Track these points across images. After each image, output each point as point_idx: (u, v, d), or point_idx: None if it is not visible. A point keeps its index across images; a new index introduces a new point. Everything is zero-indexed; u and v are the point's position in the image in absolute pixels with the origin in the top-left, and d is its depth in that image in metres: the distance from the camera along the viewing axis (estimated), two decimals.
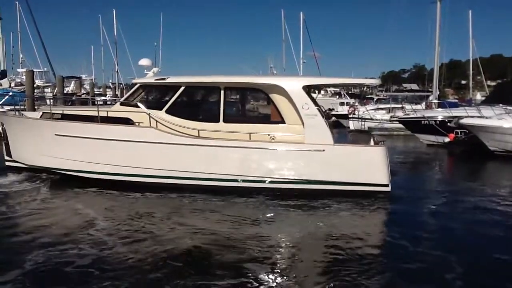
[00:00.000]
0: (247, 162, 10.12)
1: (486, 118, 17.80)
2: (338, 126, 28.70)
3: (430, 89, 36.06)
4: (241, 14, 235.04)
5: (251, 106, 11.71)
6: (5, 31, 36.12)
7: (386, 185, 10.06)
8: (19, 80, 37.42)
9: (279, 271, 6.10)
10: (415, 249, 6.99)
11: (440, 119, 20.90)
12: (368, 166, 10.07)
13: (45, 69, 41.55)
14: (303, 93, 10.24)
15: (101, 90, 48.72)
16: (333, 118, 28.53)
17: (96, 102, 15.95)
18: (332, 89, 45.26)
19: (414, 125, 22.34)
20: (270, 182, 10.15)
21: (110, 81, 59.41)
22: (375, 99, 41.91)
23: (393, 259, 6.66)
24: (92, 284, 5.58)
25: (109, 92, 50.09)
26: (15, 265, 6.07)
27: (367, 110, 31.33)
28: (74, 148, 10.60)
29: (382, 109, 32.16)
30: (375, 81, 12.14)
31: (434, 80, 32.66)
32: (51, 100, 14.20)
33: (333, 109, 37.02)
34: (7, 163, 11.93)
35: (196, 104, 11.69)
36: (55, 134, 10.69)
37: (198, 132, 10.44)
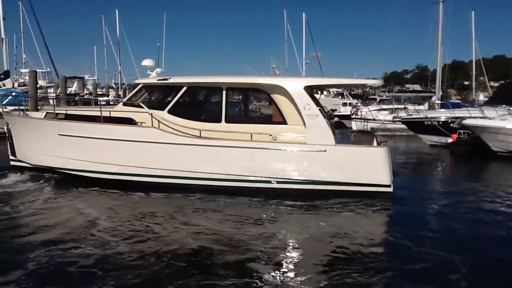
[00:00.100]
0: (249, 163, 10.12)
1: (489, 118, 17.76)
2: (340, 127, 28.67)
3: (433, 90, 35.91)
4: (243, 14, 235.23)
5: (253, 106, 11.71)
6: (8, 32, 36.28)
7: (388, 186, 10.04)
8: (22, 81, 37.48)
9: (282, 271, 6.10)
10: (419, 249, 6.98)
11: (443, 120, 20.87)
12: (370, 167, 10.05)
13: (48, 69, 41.71)
14: (304, 94, 10.24)
15: (103, 90, 48.91)
16: (336, 119, 28.50)
17: (98, 102, 15.99)
18: (334, 89, 45.20)
19: (417, 126, 22.30)
20: (272, 182, 10.15)
21: (113, 81, 59.65)
22: (377, 100, 41.82)
23: (397, 259, 6.66)
24: (95, 284, 5.58)
25: (112, 93, 50.23)
26: (18, 265, 6.09)
27: (370, 111, 31.30)
28: (77, 148, 10.64)
29: (384, 109, 32.12)
30: (378, 82, 12.10)
31: (437, 80, 32.58)
32: (55, 100, 14.21)
33: (336, 110, 37.02)
34: (12, 163, 12.00)
35: (198, 104, 11.70)
36: (59, 134, 10.74)
37: (200, 132, 10.45)
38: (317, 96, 12.02)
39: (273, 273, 5.96)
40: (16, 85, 33.17)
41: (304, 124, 10.22)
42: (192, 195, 9.90)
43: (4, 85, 29.58)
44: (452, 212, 9.45)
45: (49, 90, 37.51)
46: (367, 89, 45.53)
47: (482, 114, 18.76)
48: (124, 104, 11.49)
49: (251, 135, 10.34)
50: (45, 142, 10.97)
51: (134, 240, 7.16)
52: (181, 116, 10.74)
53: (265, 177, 10.13)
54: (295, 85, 10.34)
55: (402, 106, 31.60)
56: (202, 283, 5.64)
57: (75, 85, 43.39)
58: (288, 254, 6.80)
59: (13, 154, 11.92)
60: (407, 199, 10.25)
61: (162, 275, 5.90)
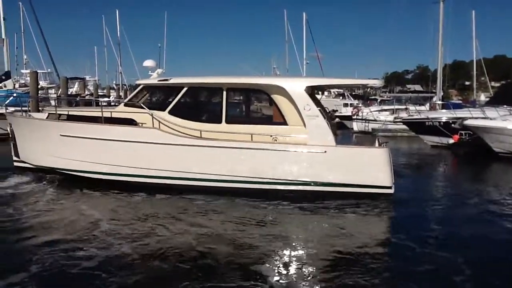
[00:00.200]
0: (249, 163, 10.11)
1: (491, 119, 17.72)
2: (341, 128, 28.63)
3: (433, 90, 35.88)
4: (244, 14, 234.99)
5: (253, 107, 11.70)
6: (9, 32, 36.21)
7: (389, 187, 10.01)
8: (23, 81, 37.49)
9: (286, 273, 6.08)
10: (422, 250, 6.97)
11: (444, 120, 20.83)
12: (371, 168, 10.02)
13: (49, 70, 41.66)
14: (304, 94, 10.22)
15: (104, 91, 48.87)
16: (337, 120, 28.47)
17: (100, 103, 16.00)
18: (335, 90, 45.15)
19: (418, 126, 22.27)
20: (272, 183, 10.13)
21: (114, 82, 59.58)
22: (378, 100, 41.74)
23: (401, 260, 6.65)
24: (98, 286, 5.58)
25: (113, 93, 50.23)
26: (22, 267, 6.07)
27: (371, 111, 31.26)
28: (78, 148, 10.66)
29: (385, 110, 32.06)
30: (378, 82, 12.05)
31: (437, 81, 32.59)
32: (56, 101, 14.26)
33: (337, 110, 36.98)
34: (15, 163, 12.03)
35: (198, 105, 11.70)
36: (60, 135, 10.74)
37: (200, 132, 10.44)
38: (318, 96, 11.99)
39: (277, 275, 5.95)
40: (17, 86, 33.15)
41: (305, 124, 10.20)
42: (194, 196, 9.88)
43: (5, 86, 29.55)
44: (454, 213, 9.44)
45: (50, 91, 37.51)
46: (368, 90, 45.48)
47: (484, 114, 18.73)
48: (125, 105, 11.50)
49: (251, 136, 10.33)
50: (47, 143, 10.98)
51: (137, 241, 7.14)
52: (181, 116, 10.73)
53: (265, 178, 10.12)
54: (295, 86, 10.33)
55: (403, 107, 31.54)
56: (206, 285, 5.61)
57: (76, 85, 43.40)
58: (291, 255, 6.76)
59: (16, 155, 11.95)
60: (408, 201, 10.21)
61: (165, 277, 5.89)
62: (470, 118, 18.42)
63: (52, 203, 9.55)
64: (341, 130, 16.34)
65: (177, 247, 6.90)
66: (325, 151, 9.97)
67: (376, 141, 12.04)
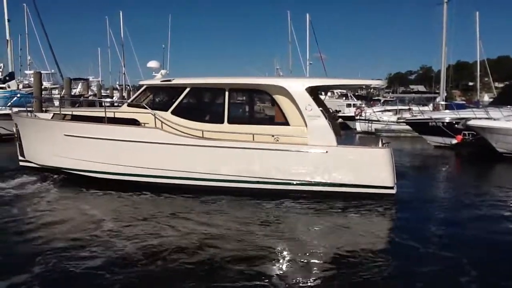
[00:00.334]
0: (250, 164, 10.12)
1: (494, 119, 17.69)
2: (344, 128, 28.60)
3: (437, 91, 35.91)
4: (247, 15, 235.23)
5: (255, 107, 11.70)
6: (13, 33, 36.22)
7: (391, 188, 9.98)
8: (27, 82, 37.66)
9: (290, 272, 6.08)
10: (426, 251, 6.95)
11: (447, 121, 20.79)
12: (372, 168, 10.00)
13: (53, 71, 41.75)
14: (306, 94, 10.22)
15: (108, 91, 48.99)
16: (340, 120, 28.43)
17: (103, 104, 16.05)
18: (338, 90, 45.11)
19: (421, 127, 22.23)
20: (274, 183, 10.13)
21: (117, 83, 59.79)
22: (382, 101, 41.71)
23: (405, 260, 6.63)
24: (102, 286, 5.59)
25: (116, 94, 50.38)
26: (25, 267, 6.06)
27: (374, 112, 31.24)
28: (81, 148, 10.70)
29: (389, 110, 32.05)
30: (381, 82, 12.00)
31: (441, 81, 32.55)
32: (60, 102, 14.33)
33: (340, 111, 36.93)
34: (20, 163, 12.09)
35: (201, 105, 11.73)
36: (64, 135, 10.79)
37: (202, 133, 10.46)
38: (321, 97, 11.99)
39: (281, 275, 5.94)
40: (21, 86, 33.27)
41: (306, 125, 10.20)
42: (196, 196, 9.89)
43: (9, 87, 29.67)
44: (457, 214, 9.39)
45: (53, 92, 37.63)
46: (371, 90, 45.43)
47: (487, 115, 18.68)
48: (129, 105, 11.54)
49: (253, 136, 10.34)
50: (52, 143, 11.04)
51: (140, 241, 7.14)
52: (184, 117, 10.75)
53: (267, 178, 10.12)
54: (297, 86, 10.33)
55: (407, 107, 31.52)
56: (211, 285, 5.62)
57: (79, 86, 43.53)
58: (295, 255, 6.75)
59: (22, 154, 12.02)
60: (411, 201, 10.17)
61: (169, 277, 5.89)
62: (473, 118, 18.38)
63: (55, 203, 9.58)
64: (344, 130, 16.27)
65: (180, 247, 6.90)
66: (327, 151, 9.97)
67: (380, 142, 12.01)
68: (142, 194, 10.08)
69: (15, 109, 15.44)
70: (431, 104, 33.00)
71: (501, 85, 56.31)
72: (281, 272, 6.07)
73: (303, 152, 10.06)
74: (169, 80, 11.20)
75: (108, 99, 33.08)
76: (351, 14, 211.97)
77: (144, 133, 10.54)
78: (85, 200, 9.80)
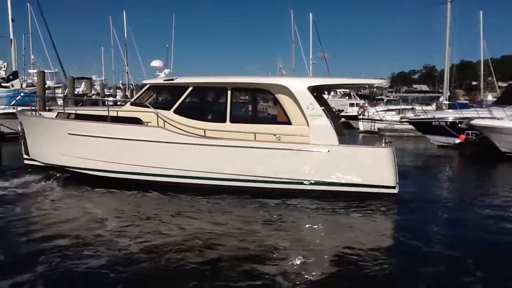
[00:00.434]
0: (252, 162, 10.13)
1: (498, 119, 17.65)
2: (347, 127, 28.59)
3: (440, 90, 35.72)
4: (250, 15, 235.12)
5: (258, 106, 11.70)
6: (17, 33, 36.33)
7: (393, 187, 9.96)
8: (30, 81, 37.74)
9: (293, 272, 6.06)
10: (430, 250, 6.94)
11: (450, 120, 20.75)
12: (374, 167, 9.99)
13: (56, 70, 41.88)
14: (308, 94, 10.22)
15: (111, 91, 49.07)
16: (343, 119, 28.42)
17: (106, 103, 16.08)
18: (341, 90, 45.05)
19: (425, 126, 22.20)
20: (275, 182, 10.14)
21: (120, 82, 59.80)
22: (385, 100, 41.63)
23: (409, 260, 6.62)
24: (105, 285, 5.61)
25: (119, 93, 50.43)
26: (28, 266, 6.08)
27: (377, 111, 31.20)
28: (85, 146, 10.74)
29: (392, 110, 32.01)
30: (383, 81, 11.97)
31: (444, 81, 32.46)
32: (64, 101, 14.43)
33: (343, 110, 36.90)
34: (25, 161, 12.16)
35: (203, 104, 11.75)
36: (68, 133, 10.83)
37: (204, 131, 10.48)
38: (325, 96, 11.97)
39: (284, 274, 5.92)
40: (24, 85, 33.33)
41: (308, 124, 10.19)
42: (197, 194, 9.90)
43: (12, 86, 29.74)
44: (460, 214, 9.34)
45: (57, 91, 37.75)
46: (374, 90, 45.32)
47: (491, 114, 18.64)
48: (132, 104, 11.58)
49: (255, 135, 10.34)
50: (56, 141, 11.09)
51: (144, 240, 7.15)
52: (186, 116, 10.77)
53: (268, 177, 10.12)
54: (299, 85, 10.33)
55: (410, 107, 31.47)
56: (214, 284, 5.62)
57: (82, 85, 43.65)
58: (298, 255, 6.75)
59: (26, 153, 12.09)
60: (413, 201, 10.12)
61: (173, 276, 5.90)
62: (477, 118, 18.34)
63: (59, 201, 9.61)
64: (347, 130, 16.27)
65: (184, 246, 6.90)
66: (328, 151, 9.96)
67: (383, 141, 11.97)
68: (145, 192, 10.10)
69: (20, 108, 15.51)
70: (434, 104, 32.93)
71: (504, 84, 56.18)
72: (284, 271, 6.05)
73: (305, 151, 10.05)
74: (172, 79, 11.23)
75: (111, 98, 33.11)
76: (354, 14, 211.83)
77: (146, 132, 10.57)
78: (88, 199, 9.82)
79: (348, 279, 5.92)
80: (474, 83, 72.24)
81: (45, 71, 30.96)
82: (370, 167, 9.99)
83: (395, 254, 6.93)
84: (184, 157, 10.31)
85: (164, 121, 10.64)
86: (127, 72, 55.49)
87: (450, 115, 21.59)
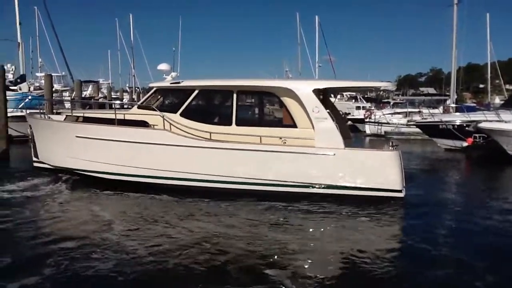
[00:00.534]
0: (257, 166, 10.13)
1: (505, 122, 17.52)
2: (354, 131, 28.53)
3: (447, 93, 35.58)
4: (256, 18, 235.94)
5: (264, 109, 11.70)
6: (25, 36, 36.61)
7: (399, 191, 9.90)
8: (37, 84, 38.01)
9: (300, 276, 6.04)
10: (439, 253, 6.90)
11: (458, 124, 20.64)
12: (380, 171, 9.94)
13: (63, 73, 42.06)
14: (313, 96, 10.21)
15: (118, 94, 49.28)
16: (349, 122, 28.36)
17: (113, 106, 16.19)
18: (348, 93, 44.97)
19: (432, 130, 22.09)
20: (281, 185, 10.13)
21: (127, 85, 60.10)
22: (391, 103, 41.54)
23: (416, 264, 6.56)
24: None
25: (126, 96, 50.65)
26: (36, 269, 6.08)
27: (384, 114, 31.10)
28: (92, 149, 10.82)
29: (399, 113, 31.89)
30: (389, 85, 11.87)
31: (451, 83, 32.27)
32: (72, 104, 14.54)
33: (349, 113, 36.84)
34: (34, 164, 12.26)
35: (209, 108, 11.79)
36: (76, 136, 10.91)
37: (210, 134, 10.49)
38: (332, 99, 11.94)
39: (291, 279, 5.89)
40: (32, 88, 33.63)
41: (313, 127, 10.17)
42: (203, 197, 9.91)
43: (20, 89, 30.02)
44: (467, 218, 9.22)
45: (64, 94, 37.97)
46: (381, 93, 45.24)
47: (498, 117, 18.54)
48: (139, 107, 11.63)
49: (260, 138, 10.33)
50: (64, 144, 11.18)
51: (151, 243, 7.16)
52: (192, 119, 10.80)
53: (273, 181, 10.12)
54: (304, 88, 10.33)
55: (417, 110, 31.33)
56: None
57: (89, 88, 43.84)
58: (305, 259, 6.72)
59: (36, 155, 12.19)
60: (420, 205, 10.02)
61: (180, 279, 5.90)
62: (484, 121, 18.24)
63: (67, 204, 9.65)
64: (353, 133, 16.23)
65: (191, 249, 6.91)
66: (334, 154, 9.94)
67: (388, 144, 11.92)
68: (153, 195, 10.13)
69: (29, 111, 15.64)
70: (442, 107, 32.79)
71: None
72: (292, 275, 6.03)
73: (311, 154, 10.04)
74: (178, 82, 11.28)
75: (118, 101, 33.27)
76: (360, 16, 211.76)
77: (152, 134, 10.61)
78: (96, 202, 9.87)
79: (357, 283, 5.90)
80: (481, 85, 71.81)
81: (53, 74, 31.12)
82: (376, 171, 9.94)
83: (403, 257, 6.90)
84: (190, 160, 10.33)
85: (171, 124, 10.68)
86: (134, 75, 55.87)
87: (458, 118, 21.49)
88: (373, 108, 37.82)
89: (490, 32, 41.70)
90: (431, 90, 51.44)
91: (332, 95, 13.28)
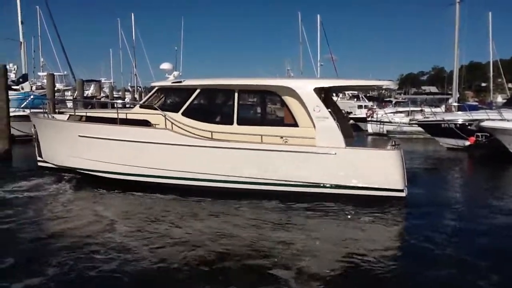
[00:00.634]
0: (258, 165, 10.13)
1: (508, 120, 17.47)
2: (356, 130, 28.48)
3: (449, 92, 35.56)
4: (258, 17, 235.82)
5: (265, 108, 11.69)
6: (27, 35, 36.65)
7: (401, 191, 9.87)
8: (40, 84, 38.07)
9: (303, 276, 6.03)
10: (442, 252, 6.89)
11: (460, 122, 20.59)
12: (382, 170, 9.91)
13: (65, 72, 42.15)
14: (314, 95, 10.19)
15: (120, 93, 49.36)
16: (351, 121, 28.31)
17: (115, 105, 16.21)
18: (350, 92, 44.90)
19: (434, 129, 22.04)
20: (282, 185, 10.12)
21: (129, 84, 60.27)
22: (393, 102, 41.42)
23: (419, 263, 6.54)
24: None
25: (128, 95, 50.72)
26: (40, 270, 6.09)
27: (386, 113, 31.05)
28: (94, 149, 10.84)
29: (401, 112, 31.83)
30: (391, 83, 11.81)
31: (453, 82, 32.23)
32: (74, 103, 14.58)
33: (351, 112, 36.79)
34: (38, 163, 12.31)
35: (210, 107, 11.78)
36: (78, 135, 10.93)
37: (211, 134, 10.49)
38: (334, 98, 11.91)
39: (294, 279, 5.88)
40: (34, 88, 33.68)
41: (314, 126, 10.16)
42: (205, 197, 9.92)
43: (22, 89, 30.06)
44: (470, 218, 9.21)
45: (66, 93, 38.03)
46: (383, 91, 45.14)
47: (501, 116, 18.48)
48: (141, 107, 11.63)
49: (261, 137, 10.33)
50: (67, 144, 11.21)
51: (154, 244, 7.16)
52: (194, 118, 10.80)
53: (275, 180, 10.11)
54: (305, 87, 10.31)
55: (419, 109, 31.30)
56: None
57: (91, 88, 43.91)
58: (308, 259, 6.70)
59: (40, 155, 12.23)
60: (422, 205, 9.98)
61: (184, 279, 5.90)
62: (486, 120, 18.19)
63: (71, 204, 9.67)
64: (355, 132, 16.18)
65: (194, 249, 6.91)
66: (335, 153, 9.92)
67: (389, 143, 11.89)
68: (155, 194, 10.15)
69: (32, 111, 15.68)
70: (444, 105, 32.72)
71: None
72: (296, 274, 6.02)
73: (312, 153, 10.02)
74: (180, 82, 11.29)
75: (120, 101, 33.29)
76: (362, 15, 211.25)
77: (154, 134, 10.62)
78: (100, 201, 9.88)
79: (360, 282, 5.90)
80: (483, 84, 71.57)
81: (55, 73, 31.17)
82: (378, 170, 9.92)
83: (406, 257, 6.90)
84: (191, 160, 10.34)
85: (172, 123, 10.69)
86: (136, 74, 56.00)
87: (460, 117, 21.43)
88: (375, 107, 37.77)
89: (492, 30, 41.68)
90: (433, 89, 51.34)
91: (334, 94, 13.23)
